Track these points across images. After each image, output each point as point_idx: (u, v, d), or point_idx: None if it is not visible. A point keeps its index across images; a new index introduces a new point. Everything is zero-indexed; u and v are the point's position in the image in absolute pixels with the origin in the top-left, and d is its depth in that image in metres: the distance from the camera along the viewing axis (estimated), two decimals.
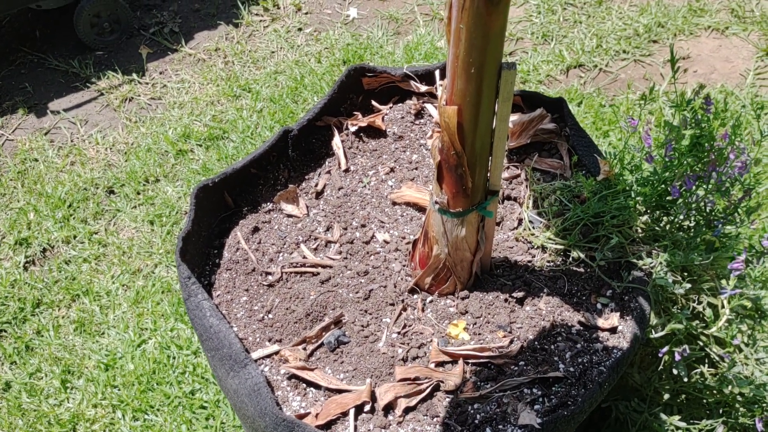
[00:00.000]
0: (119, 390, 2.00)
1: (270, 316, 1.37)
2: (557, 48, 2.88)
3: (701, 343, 1.42)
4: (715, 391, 1.45)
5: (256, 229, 1.50)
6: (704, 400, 1.54)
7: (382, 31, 3.05)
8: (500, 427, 1.18)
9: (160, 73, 2.99)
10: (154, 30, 3.16)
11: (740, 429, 1.52)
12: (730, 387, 1.41)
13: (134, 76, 2.96)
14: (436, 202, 1.23)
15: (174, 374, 2.02)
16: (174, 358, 2.06)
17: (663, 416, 1.47)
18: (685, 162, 1.28)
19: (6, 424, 1.96)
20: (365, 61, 2.91)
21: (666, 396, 1.49)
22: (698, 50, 2.79)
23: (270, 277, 1.43)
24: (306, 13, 3.19)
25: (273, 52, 3.02)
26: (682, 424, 1.46)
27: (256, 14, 3.20)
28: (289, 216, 1.53)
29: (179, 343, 2.08)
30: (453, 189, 1.18)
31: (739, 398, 1.49)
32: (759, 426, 1.42)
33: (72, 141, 2.73)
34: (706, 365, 1.46)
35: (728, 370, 1.39)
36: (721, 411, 1.50)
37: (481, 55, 0.99)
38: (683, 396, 1.56)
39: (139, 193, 2.52)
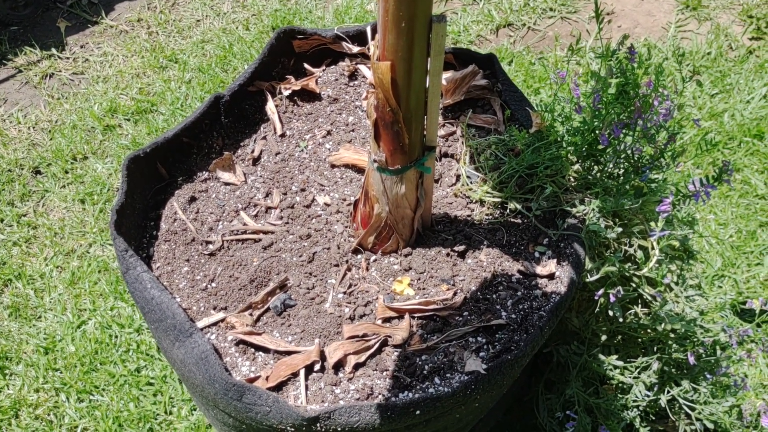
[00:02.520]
0: (61, 373, 1.96)
1: (213, 284, 1.36)
2: (486, 8, 2.90)
3: (634, 285, 1.48)
4: (649, 330, 1.52)
5: (193, 199, 1.48)
6: (639, 340, 1.61)
7: None
8: (448, 375, 1.21)
9: (81, 47, 2.87)
10: (71, 2, 3.02)
11: (674, 364, 1.60)
12: (662, 324, 1.47)
13: (53, 51, 2.83)
14: (375, 161, 1.23)
15: (117, 353, 1.98)
16: (116, 337, 2.02)
17: (601, 357, 1.54)
18: (612, 110, 1.32)
19: None
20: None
21: (603, 337, 1.55)
22: (622, 5, 2.86)
23: (211, 246, 1.41)
24: None
25: (198, 21, 2.94)
26: (620, 363, 1.53)
27: None
28: (227, 184, 1.51)
29: (120, 322, 2.04)
30: (390, 146, 1.19)
31: (671, 335, 1.57)
32: (691, 359, 1.50)
33: None
34: (640, 306, 1.52)
35: (660, 309, 1.45)
36: (655, 349, 1.57)
37: (411, 8, 0.99)
38: (620, 337, 1.63)
39: (67, 172, 2.43)
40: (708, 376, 1.57)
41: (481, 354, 1.24)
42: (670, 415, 1.59)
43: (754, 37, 2.73)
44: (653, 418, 1.72)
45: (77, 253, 2.22)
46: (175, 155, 1.51)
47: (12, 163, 2.45)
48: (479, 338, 1.27)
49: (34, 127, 2.58)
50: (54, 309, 2.09)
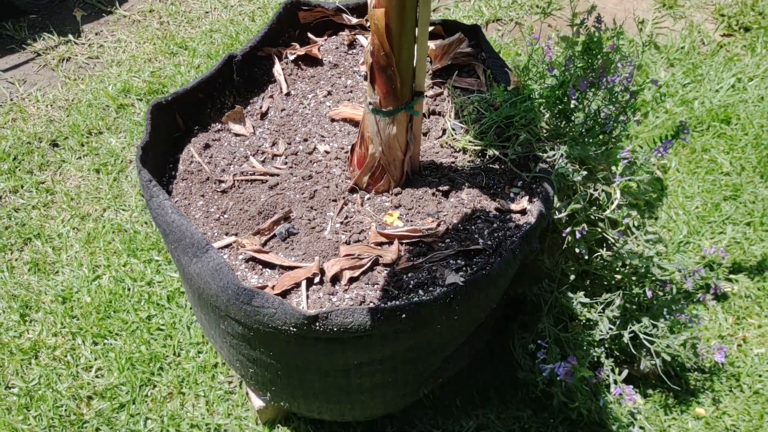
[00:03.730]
0: (78, 320, 2.12)
1: (225, 216, 1.53)
2: (477, 4, 3.10)
3: (599, 229, 1.66)
4: (613, 270, 1.70)
5: (207, 146, 1.66)
6: (605, 281, 1.79)
7: None
8: (430, 288, 1.39)
9: (96, 34, 3.07)
10: None
11: (635, 303, 1.78)
12: (623, 261, 1.66)
13: (70, 37, 3.02)
14: (370, 103, 1.42)
15: (130, 302, 2.15)
16: (129, 289, 2.18)
17: (570, 294, 1.72)
18: (578, 65, 1.51)
19: None
20: None
21: (572, 277, 1.73)
22: (603, 3, 3.07)
23: (223, 185, 1.59)
24: None
25: (207, 12, 3.14)
26: (586, 300, 1.71)
27: None
28: (237, 135, 1.69)
29: (133, 276, 2.21)
30: (384, 89, 1.38)
31: (632, 274, 1.75)
32: (649, 293, 1.69)
33: (11, 99, 2.79)
34: (604, 249, 1.70)
35: (621, 248, 1.64)
36: (618, 287, 1.75)
37: None
38: (587, 281, 1.81)
39: (83, 145, 2.61)
40: (666, 315, 1.74)
41: (460, 273, 1.42)
42: (632, 349, 1.77)
43: (725, 33, 2.94)
44: (619, 357, 1.90)
45: (92, 217, 2.39)
46: (191, 108, 1.69)
47: (31, 136, 2.63)
48: (459, 261, 1.44)
49: (51, 105, 2.76)
50: (71, 265, 2.26)
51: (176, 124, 1.66)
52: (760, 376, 1.98)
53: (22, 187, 2.47)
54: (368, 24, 1.88)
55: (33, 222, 2.37)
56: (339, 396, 1.58)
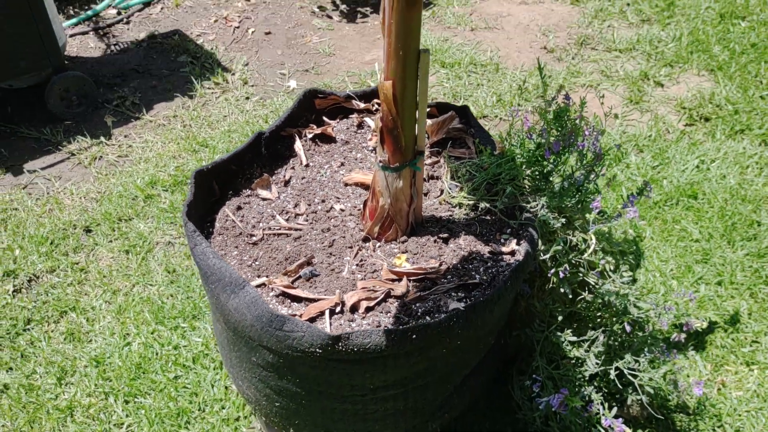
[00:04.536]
0: (110, 381, 2.30)
1: (256, 263, 1.78)
2: (464, 104, 3.49)
3: (580, 272, 1.91)
4: (594, 307, 1.93)
5: (239, 208, 1.93)
6: (589, 322, 2.01)
7: None
8: (435, 315, 1.62)
9: (125, 136, 3.41)
10: (117, 102, 3.60)
11: (617, 340, 1.99)
12: (603, 300, 1.89)
13: (102, 139, 3.37)
14: (380, 161, 1.70)
15: (158, 365, 2.34)
16: (157, 353, 2.38)
17: (559, 333, 1.93)
18: (551, 131, 1.81)
19: (9, 416, 2.21)
20: None
21: (560, 318, 1.95)
22: (576, 100, 3.46)
23: (254, 238, 1.84)
24: (252, 86, 3.72)
25: (225, 116, 3.51)
26: (574, 338, 1.93)
27: (209, 88, 3.70)
28: (264, 199, 1.97)
29: (161, 341, 2.41)
30: (392, 148, 1.67)
31: (613, 318, 1.97)
32: (627, 328, 1.91)
33: (48, 193, 3.09)
34: (586, 291, 1.94)
35: (600, 288, 1.87)
36: (601, 326, 1.97)
37: (406, 42, 1.51)
38: (574, 322, 2.03)
39: (114, 230, 2.88)
40: (646, 351, 1.95)
41: (461, 302, 1.65)
42: (619, 385, 1.96)
43: (688, 123, 3.31)
44: (608, 395, 2.08)
45: (123, 291, 2.62)
46: (225, 177, 1.98)
47: (66, 223, 2.90)
48: (459, 293, 1.68)
49: (85, 197, 3.05)
50: (103, 333, 2.46)
51: (213, 190, 1.94)
52: (740, 415, 2.16)
53: (59, 267, 2.72)
54: (373, 104, 2.20)
55: (68, 297, 2.59)
56: (356, 424, 1.76)
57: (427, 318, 1.62)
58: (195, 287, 2.60)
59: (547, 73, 3.59)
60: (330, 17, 4.29)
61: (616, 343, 1.98)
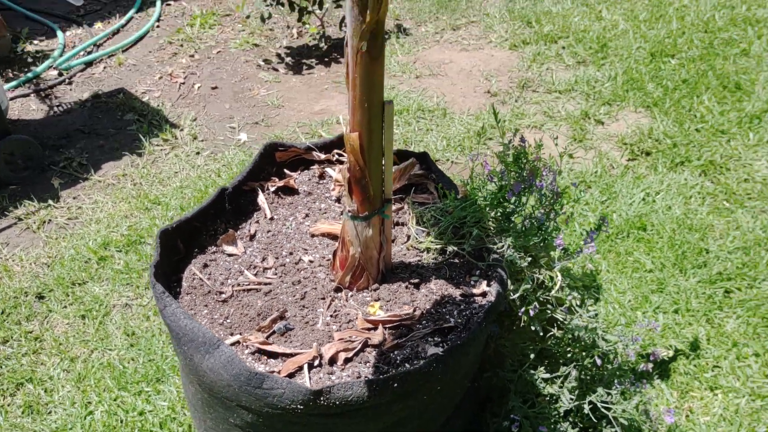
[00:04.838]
0: None
1: (228, 320, 1.75)
2: (416, 149, 3.54)
3: (548, 309, 1.94)
4: (564, 342, 1.96)
5: (205, 265, 1.91)
6: (560, 358, 2.04)
7: None
8: (415, 361, 1.62)
9: (74, 198, 3.33)
10: (63, 164, 3.53)
11: (589, 374, 2.02)
12: (572, 335, 1.92)
13: (50, 202, 3.28)
14: (349, 211, 1.72)
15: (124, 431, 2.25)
16: (122, 420, 2.29)
17: (531, 371, 1.96)
18: (511, 174, 1.86)
19: None
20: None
21: (532, 356, 1.98)
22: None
23: (223, 295, 1.82)
24: (202, 140, 3.70)
25: (176, 173, 3.47)
26: (547, 375, 1.95)
27: (157, 145, 3.67)
28: (230, 255, 1.95)
29: (125, 408, 2.33)
30: (360, 197, 1.68)
31: (583, 352, 2.01)
32: (598, 361, 1.94)
33: None
34: (555, 328, 1.97)
35: (569, 323, 1.91)
36: (572, 361, 2.00)
37: (371, 94, 1.54)
38: (545, 359, 2.06)
39: (68, 295, 2.79)
40: (617, 383, 1.99)
41: (438, 347, 1.66)
42: (593, 418, 1.99)
43: (630, 158, 3.44)
44: (583, 429, 2.10)
45: (81, 358, 2.53)
46: (189, 235, 1.95)
47: (17, 291, 2.80)
48: (436, 338, 1.69)
49: (35, 262, 2.96)
50: (63, 404, 2.36)
51: (178, 248, 1.91)
52: None
53: (12, 337, 2.61)
54: (333, 155, 2.22)
55: (24, 368, 2.49)
56: None
57: (407, 365, 1.61)
58: (156, 349, 2.53)
59: (492, 116, 3.70)
60: (276, 70, 4.33)
61: (588, 377, 2.01)
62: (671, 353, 2.04)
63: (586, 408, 1.96)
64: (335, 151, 2.21)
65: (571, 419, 2.04)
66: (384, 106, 1.58)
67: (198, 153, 3.61)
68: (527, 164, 1.88)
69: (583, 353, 2.01)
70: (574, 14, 4.50)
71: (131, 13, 4.81)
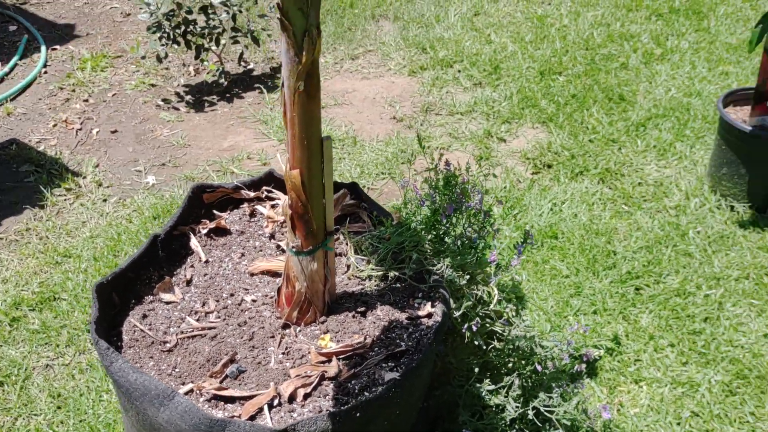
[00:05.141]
0: None
1: (176, 370, 1.71)
2: (354, 181, 3.58)
3: (488, 323, 2.02)
4: (505, 353, 2.05)
5: (144, 316, 1.85)
6: (502, 369, 2.12)
7: (181, 189, 3.53)
8: (373, 389, 1.64)
9: None
10: None
11: (530, 381, 2.11)
12: (513, 345, 2.01)
13: None
14: (293, 247, 1.73)
15: None
16: None
17: (478, 385, 2.03)
18: (443, 197, 1.94)
19: None
20: (172, 214, 3.34)
21: (476, 370, 2.05)
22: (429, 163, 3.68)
23: (168, 345, 1.78)
24: (108, 187, 3.58)
25: (84, 222, 3.34)
26: (492, 387, 2.03)
27: (60, 195, 3.51)
28: (168, 302, 1.91)
29: None
30: (303, 232, 1.70)
31: (522, 361, 2.10)
32: (538, 368, 2.04)
33: None
34: (496, 340, 2.06)
35: (509, 334, 2.00)
36: (514, 371, 2.09)
37: (309, 132, 1.57)
38: (488, 372, 2.14)
39: None
40: (555, 387, 2.10)
41: (393, 371, 1.69)
42: (538, 423, 2.08)
43: (534, 172, 3.62)
44: None
45: (5, 428, 2.37)
46: (123, 287, 1.90)
47: None
48: (390, 363, 1.72)
49: None
50: None
51: (113, 301, 1.85)
52: (641, 430, 2.35)
53: None
54: (262, 192, 2.23)
55: None
56: None
57: (366, 393, 1.64)
58: (87, 409, 2.41)
59: (402, 140, 3.80)
60: (177, 109, 4.26)
61: (530, 384, 2.10)
62: (602, 352, 2.17)
63: (531, 414, 2.05)
64: (264, 188, 2.21)
65: (517, 426, 2.12)
66: (322, 142, 1.61)
67: (105, 200, 3.49)
68: (457, 186, 1.96)
69: (523, 361, 2.10)
70: (466, 39, 4.70)
71: (14, 60, 4.60)
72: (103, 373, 2.50)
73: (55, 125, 4.07)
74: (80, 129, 4.06)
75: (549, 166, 3.65)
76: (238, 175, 3.61)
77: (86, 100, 4.32)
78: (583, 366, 2.17)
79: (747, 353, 2.61)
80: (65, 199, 3.49)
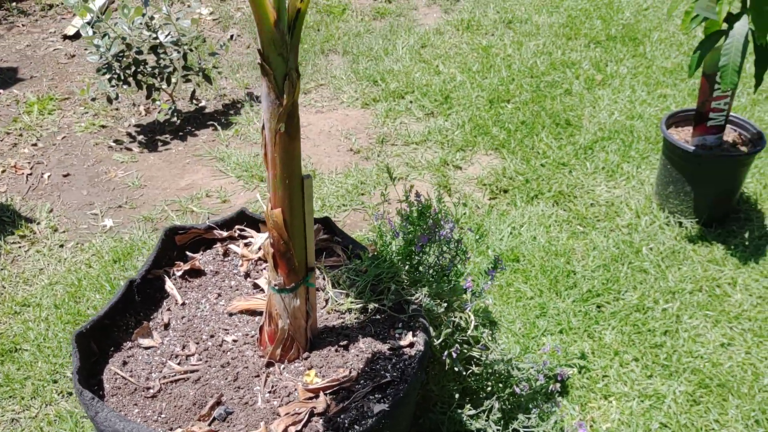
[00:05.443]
0: None
1: (162, 416, 1.70)
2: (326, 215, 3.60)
3: (465, 349, 2.07)
4: (484, 378, 2.09)
5: (125, 363, 1.83)
6: (481, 393, 2.16)
7: (141, 231, 3.49)
8: (363, 421, 1.66)
9: None
10: None
11: (509, 403, 2.16)
12: (492, 369, 2.06)
13: None
14: (276, 285, 1.74)
15: None
16: None
17: (459, 410, 2.06)
18: (417, 227, 1.99)
19: None
20: (132, 257, 3.29)
21: (457, 396, 2.08)
22: (390, 193, 3.74)
23: (151, 391, 1.76)
24: (64, 232, 3.51)
25: (42, 269, 3.26)
26: (473, 411, 2.06)
27: (14, 243, 3.42)
28: (148, 348, 1.89)
29: None
30: (286, 270, 1.72)
31: (500, 384, 2.15)
32: (517, 390, 2.09)
33: None
34: (474, 365, 2.10)
35: (487, 358, 2.05)
36: (493, 394, 2.13)
37: (290, 171, 1.60)
38: (468, 397, 2.18)
39: None
40: (533, 407, 2.15)
41: (381, 402, 1.71)
42: None
43: (491, 197, 3.72)
44: None
45: None
46: (101, 334, 1.87)
47: None
48: (377, 395, 1.74)
49: None
50: None
51: (92, 349, 1.82)
52: None
53: None
54: (235, 231, 2.23)
55: None
56: None
57: (356, 427, 1.65)
58: None
59: (361, 171, 3.85)
60: (130, 149, 4.22)
61: (509, 407, 2.15)
62: (576, 371, 2.24)
63: None
64: (237, 227, 2.22)
65: None
66: (303, 180, 1.64)
67: (62, 245, 3.41)
68: (430, 217, 2.01)
69: (500, 384, 2.14)
70: (415, 70, 4.81)
71: None
72: (73, 424, 2.44)
73: (3, 171, 3.98)
74: (30, 174, 3.97)
75: (505, 191, 3.75)
76: (198, 213, 3.59)
77: (35, 144, 4.24)
78: (558, 385, 2.23)
79: (707, 363, 2.72)
80: (20, 247, 3.40)
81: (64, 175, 3.96)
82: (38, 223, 3.55)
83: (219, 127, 4.35)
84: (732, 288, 3.06)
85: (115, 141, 4.28)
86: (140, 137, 4.33)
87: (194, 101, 4.55)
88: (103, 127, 4.42)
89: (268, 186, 1.63)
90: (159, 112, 4.50)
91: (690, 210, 3.36)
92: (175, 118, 4.35)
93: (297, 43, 1.46)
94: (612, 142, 4.03)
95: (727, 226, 3.39)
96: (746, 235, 3.34)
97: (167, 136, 4.34)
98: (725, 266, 3.17)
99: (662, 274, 3.13)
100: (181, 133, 4.35)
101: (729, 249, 3.26)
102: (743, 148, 3.27)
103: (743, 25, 2.70)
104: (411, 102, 4.54)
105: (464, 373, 2.02)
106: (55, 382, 2.65)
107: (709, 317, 2.93)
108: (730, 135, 3.36)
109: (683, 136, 3.39)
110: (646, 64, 4.73)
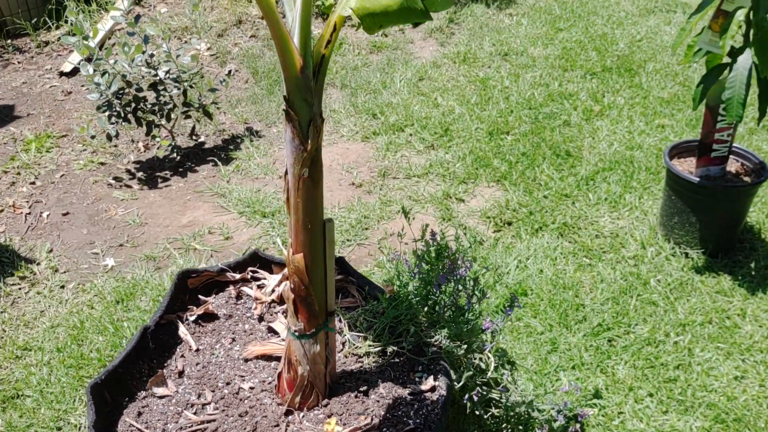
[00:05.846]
0: None
1: None
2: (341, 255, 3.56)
3: (485, 390, 2.03)
4: (503, 419, 2.05)
5: (139, 414, 1.78)
6: None
7: (143, 270, 3.44)
8: None
9: None
10: None
11: None
12: (512, 411, 2.02)
13: None
14: (296, 331, 1.71)
15: None
16: None
17: None
18: (436, 267, 1.96)
19: None
20: (136, 298, 3.24)
21: None
22: (393, 227, 3.71)
23: None
24: (64, 272, 3.45)
25: (43, 311, 3.20)
26: None
27: (14, 284, 3.36)
28: (162, 397, 1.84)
29: None
30: (306, 315, 1.69)
31: (519, 426, 2.11)
32: None
33: None
34: (493, 407, 2.06)
35: (507, 401, 2.01)
36: None
37: (313, 216, 1.58)
38: None
39: None
40: None
41: None
42: None
43: (495, 230, 3.71)
44: None
45: None
46: (115, 383, 1.82)
47: None
48: None
49: None
50: None
51: (105, 400, 1.78)
52: None
53: None
54: (248, 273, 2.20)
55: None
56: None
57: None
58: None
59: (363, 205, 3.83)
60: (130, 186, 4.18)
61: None
62: (596, 410, 2.20)
63: None
64: (249, 269, 2.19)
65: None
66: (325, 224, 1.62)
67: (63, 286, 3.36)
68: (448, 257, 1.99)
69: (520, 426, 2.11)
70: (414, 103, 4.83)
71: None
72: None
73: (1, 210, 3.93)
74: (29, 213, 3.92)
75: (509, 224, 3.74)
76: (201, 251, 3.55)
77: (33, 183, 4.19)
78: (578, 426, 2.20)
79: (721, 397, 2.69)
80: (20, 288, 3.35)
81: (64, 214, 3.92)
82: (38, 264, 3.50)
83: (219, 163, 4.33)
84: (742, 319, 3.05)
85: (115, 178, 4.25)
86: (140, 174, 4.30)
87: (194, 137, 4.53)
88: (102, 164, 4.39)
89: (290, 231, 1.61)
90: (158, 149, 4.47)
91: (695, 240, 3.35)
92: (174, 154, 4.33)
93: (321, 89, 1.44)
94: (613, 172, 4.04)
95: (732, 256, 3.39)
96: (752, 264, 3.33)
97: (167, 172, 4.32)
98: (733, 297, 3.16)
99: (671, 306, 3.12)
100: (181, 169, 4.32)
101: (736, 279, 3.25)
102: (746, 179, 3.28)
103: (747, 59, 2.72)
104: (411, 135, 4.55)
105: (484, 416, 1.98)
106: (59, 429, 2.58)
107: (720, 349, 2.91)
108: (733, 165, 3.38)
109: (686, 167, 3.40)
110: (643, 95, 4.77)
